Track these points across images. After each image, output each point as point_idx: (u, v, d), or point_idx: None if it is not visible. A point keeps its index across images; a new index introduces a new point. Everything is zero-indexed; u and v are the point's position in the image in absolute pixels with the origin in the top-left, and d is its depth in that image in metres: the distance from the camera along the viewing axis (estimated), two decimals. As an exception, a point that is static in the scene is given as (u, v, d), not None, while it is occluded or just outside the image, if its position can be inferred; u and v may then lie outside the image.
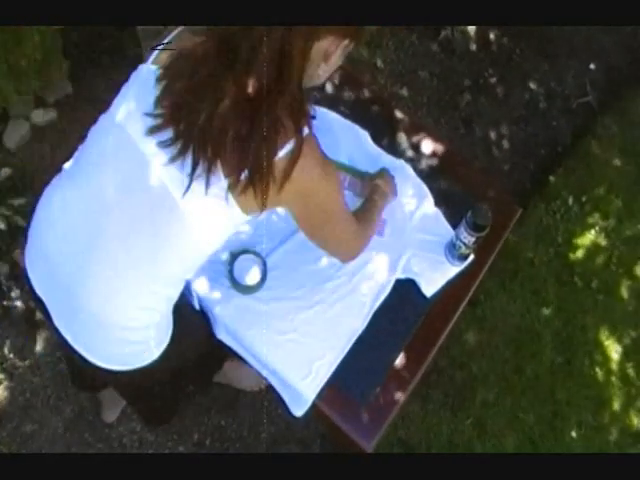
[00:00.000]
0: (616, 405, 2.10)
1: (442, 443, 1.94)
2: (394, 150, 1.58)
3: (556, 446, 2.00)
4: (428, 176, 1.55)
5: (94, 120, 1.09)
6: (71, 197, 1.09)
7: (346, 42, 1.00)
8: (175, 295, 1.15)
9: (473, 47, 2.70)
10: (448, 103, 2.57)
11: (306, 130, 0.98)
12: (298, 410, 1.33)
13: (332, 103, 1.60)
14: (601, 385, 2.12)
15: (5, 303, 1.93)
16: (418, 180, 1.54)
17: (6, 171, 2.06)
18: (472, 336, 2.10)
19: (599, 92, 2.71)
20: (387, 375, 1.35)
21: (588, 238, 2.34)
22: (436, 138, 1.63)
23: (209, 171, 0.95)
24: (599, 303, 2.24)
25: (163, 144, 0.97)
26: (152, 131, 0.97)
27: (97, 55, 2.29)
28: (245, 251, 1.38)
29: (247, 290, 1.36)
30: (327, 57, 0.99)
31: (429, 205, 1.51)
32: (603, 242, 2.34)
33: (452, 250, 1.42)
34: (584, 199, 2.40)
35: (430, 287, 1.43)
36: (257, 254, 1.38)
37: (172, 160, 0.97)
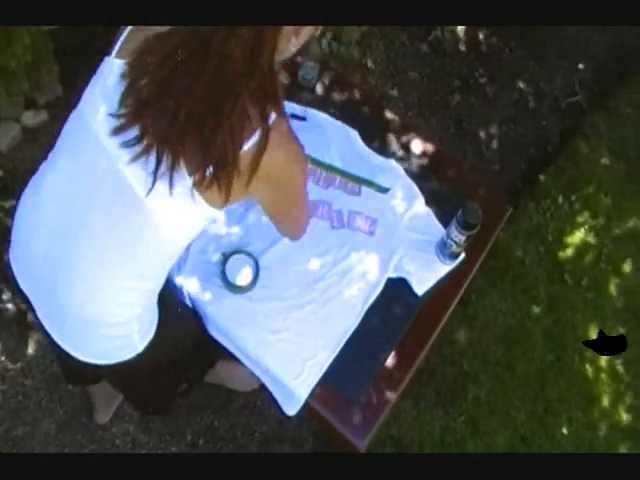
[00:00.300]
0: (605, 401, 2.12)
1: (434, 441, 1.95)
2: (385, 150, 1.59)
3: (547, 443, 2.01)
4: (419, 176, 1.56)
5: (65, 118, 1.08)
6: (45, 196, 1.10)
7: None
8: (156, 287, 1.14)
9: (463, 47, 2.72)
10: (439, 103, 2.59)
11: (273, 116, 0.96)
12: (291, 409, 1.34)
13: (322, 104, 1.61)
14: (591, 382, 2.14)
15: (-4, 305, 1.93)
16: (409, 180, 1.55)
17: (-4, 173, 2.06)
18: (463, 334, 2.11)
19: (588, 92, 2.73)
20: (379, 373, 1.36)
21: (578, 236, 2.36)
22: (426, 138, 1.64)
23: (172, 169, 0.94)
24: (589, 301, 2.26)
25: (127, 144, 0.95)
26: (116, 132, 0.96)
27: (88, 57, 2.27)
28: (237, 251, 1.38)
29: (239, 290, 1.36)
30: (298, 30, 0.98)
31: (420, 205, 1.52)
32: (592, 240, 2.36)
33: (443, 249, 1.44)
34: (574, 198, 2.42)
35: (421, 286, 1.44)
36: (249, 254, 1.38)
37: (135, 158, 0.95)
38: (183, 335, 1.32)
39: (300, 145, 1.05)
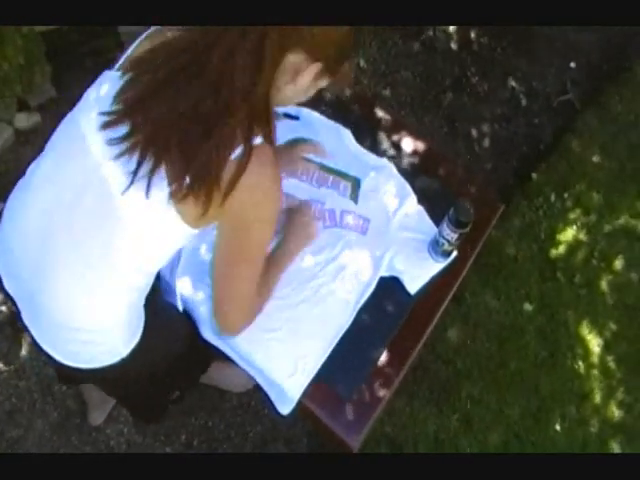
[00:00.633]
0: (598, 397, 2.13)
1: (428, 439, 1.96)
2: (377, 149, 1.59)
3: (541, 439, 2.02)
4: (411, 174, 1.57)
5: (58, 120, 1.09)
6: (30, 199, 1.10)
7: (319, 66, 0.98)
8: (139, 293, 1.13)
9: (455, 46, 2.73)
10: (431, 102, 2.60)
11: (258, 139, 0.96)
12: (284, 408, 1.34)
13: (315, 103, 1.61)
14: (584, 378, 2.15)
15: (-11, 308, 1.93)
16: (401, 179, 1.55)
17: (-11, 175, 2.06)
18: (457, 332, 2.12)
19: (579, 90, 2.74)
20: (372, 372, 1.36)
21: (570, 234, 2.38)
22: (419, 137, 1.65)
23: (152, 173, 0.93)
24: (581, 298, 2.27)
25: (113, 141, 0.95)
26: (105, 126, 0.96)
27: (80, 58, 2.28)
28: None
29: None
30: (296, 75, 0.98)
31: (412, 203, 1.53)
32: (585, 238, 2.38)
33: (435, 247, 1.44)
34: (566, 195, 2.43)
35: (414, 284, 1.44)
36: None
37: (119, 156, 0.94)
38: (173, 339, 1.32)
39: (279, 179, 1.02)
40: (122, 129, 0.94)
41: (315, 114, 1.58)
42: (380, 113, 1.66)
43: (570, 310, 2.24)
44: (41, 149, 1.12)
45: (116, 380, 1.29)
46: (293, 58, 0.95)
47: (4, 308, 1.93)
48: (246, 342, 1.34)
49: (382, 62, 2.63)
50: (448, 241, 1.40)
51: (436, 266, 1.47)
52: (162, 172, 0.93)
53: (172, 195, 0.94)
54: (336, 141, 1.56)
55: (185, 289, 1.36)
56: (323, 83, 1.04)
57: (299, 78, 0.99)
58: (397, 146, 1.62)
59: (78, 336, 1.12)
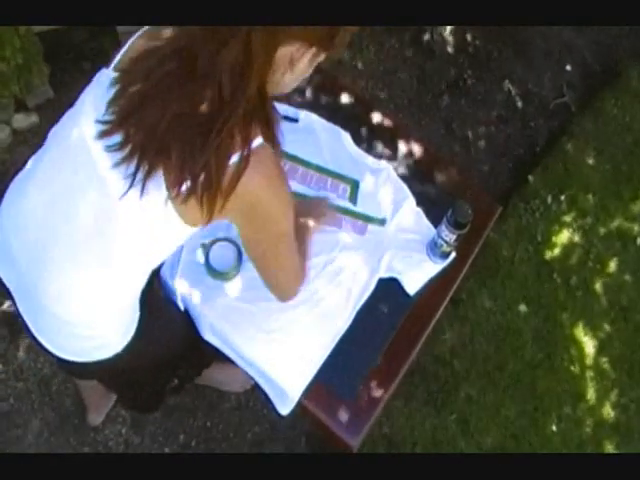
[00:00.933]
0: (593, 398, 2.15)
1: (426, 439, 1.97)
2: (375, 152, 1.60)
3: (537, 440, 2.04)
4: (409, 177, 1.58)
5: (56, 120, 1.09)
6: (32, 189, 1.10)
7: (313, 50, 0.97)
8: (135, 290, 1.13)
9: (452, 49, 2.74)
10: (428, 105, 2.61)
11: (258, 141, 0.95)
12: (284, 408, 1.35)
13: (312, 106, 1.62)
14: (580, 379, 2.17)
15: (-13, 308, 1.93)
16: (399, 181, 1.56)
17: (-14, 175, 2.05)
18: (454, 333, 2.13)
19: (575, 93, 2.76)
20: (371, 372, 1.37)
21: (566, 236, 2.39)
22: (416, 139, 1.66)
23: (148, 177, 0.92)
24: (577, 300, 2.28)
25: (110, 148, 0.94)
26: (101, 135, 0.95)
27: (78, 59, 2.29)
28: (217, 240, 1.37)
29: (225, 277, 1.36)
30: (292, 64, 0.96)
31: (410, 205, 1.54)
32: (581, 240, 2.39)
33: (434, 248, 1.45)
34: (562, 198, 2.44)
35: (413, 285, 1.45)
36: (229, 240, 1.37)
37: (117, 164, 0.94)
38: (172, 333, 1.32)
39: (284, 180, 1.01)
40: (117, 137, 0.94)
41: (314, 116, 1.59)
42: (378, 116, 1.67)
43: (566, 312, 2.26)
44: (40, 148, 1.12)
45: (113, 372, 1.30)
46: (286, 50, 0.93)
47: (4, 307, 1.93)
48: (246, 343, 1.34)
49: (379, 64, 2.64)
50: (446, 242, 1.41)
51: (435, 267, 1.48)
52: (159, 176, 0.92)
53: (172, 199, 0.93)
54: (335, 143, 1.57)
55: (185, 289, 1.37)
56: (321, 58, 1.02)
57: (296, 65, 0.97)
58: (395, 148, 1.63)
59: (73, 330, 1.13)
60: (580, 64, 2.84)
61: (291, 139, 1.51)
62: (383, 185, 1.54)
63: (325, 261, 1.43)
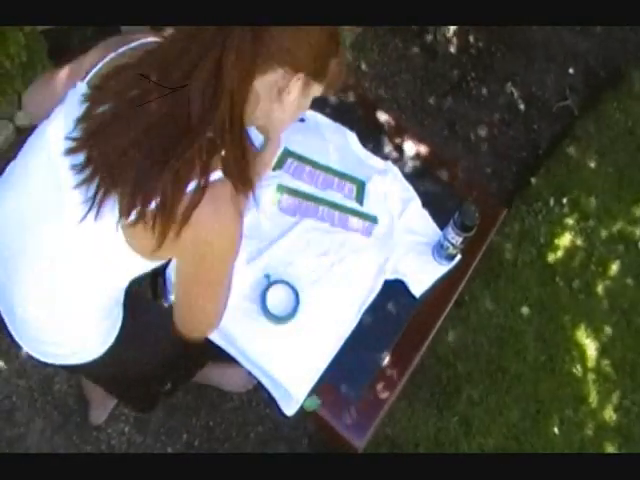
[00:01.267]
0: (595, 400, 2.15)
1: (429, 441, 1.97)
2: (379, 152, 1.60)
3: (539, 442, 2.04)
4: (414, 178, 1.58)
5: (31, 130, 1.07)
6: (5, 199, 1.08)
7: (301, 78, 0.91)
8: (104, 303, 1.11)
9: (455, 51, 2.75)
10: (432, 106, 2.61)
11: (218, 174, 0.90)
12: (289, 409, 1.34)
13: (317, 106, 1.61)
14: (581, 381, 2.17)
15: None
16: (405, 182, 1.56)
17: (-10, 173, 2.05)
18: (457, 335, 2.13)
19: (578, 96, 2.77)
20: (376, 374, 1.37)
21: (569, 239, 2.39)
22: (421, 140, 1.66)
23: (104, 201, 0.89)
24: (580, 302, 2.29)
25: (75, 167, 0.92)
26: (68, 152, 0.93)
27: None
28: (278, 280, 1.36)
29: (278, 320, 1.35)
30: (280, 95, 0.91)
31: (416, 206, 1.54)
32: (583, 243, 2.40)
33: (440, 250, 1.45)
34: (564, 200, 2.45)
35: (418, 287, 1.45)
36: (288, 284, 1.36)
37: (78, 185, 0.91)
38: (161, 335, 1.29)
39: (237, 221, 0.94)
40: (81, 157, 0.92)
41: (320, 116, 1.59)
42: (382, 116, 1.67)
43: (569, 314, 2.26)
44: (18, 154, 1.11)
45: (98, 372, 1.30)
46: (269, 77, 0.88)
47: (4, 307, 1.92)
48: (251, 343, 1.34)
49: (383, 65, 2.64)
50: (453, 244, 1.41)
51: (440, 269, 1.48)
52: (114, 202, 0.90)
53: (122, 225, 0.90)
54: (342, 144, 1.57)
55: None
56: (316, 92, 0.97)
57: (285, 96, 0.91)
58: (400, 149, 1.63)
59: (50, 340, 1.14)
60: (583, 67, 2.84)
61: (298, 139, 1.54)
62: (389, 186, 1.54)
63: (331, 262, 1.43)
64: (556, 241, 2.38)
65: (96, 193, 0.90)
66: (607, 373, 2.21)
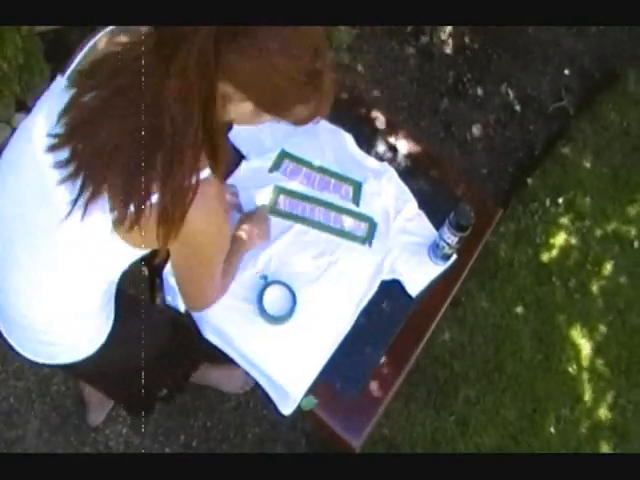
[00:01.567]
0: (591, 400, 2.16)
1: (426, 440, 1.98)
2: (375, 154, 1.61)
3: (536, 441, 2.05)
4: (410, 178, 1.59)
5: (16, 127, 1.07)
6: None
7: (248, 107, 0.90)
8: (93, 301, 1.12)
9: (451, 52, 2.76)
10: (428, 107, 2.62)
11: (207, 172, 0.92)
12: (287, 409, 1.35)
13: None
14: (577, 381, 2.19)
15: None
16: (401, 183, 1.57)
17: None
18: (454, 335, 2.14)
19: (574, 97, 2.78)
20: (373, 373, 1.38)
21: (564, 239, 2.41)
22: (417, 141, 1.67)
23: (90, 200, 0.89)
24: (575, 302, 2.30)
25: (58, 164, 0.91)
26: (50, 149, 0.92)
27: (79, 59, 2.29)
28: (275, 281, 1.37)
29: (275, 321, 1.35)
30: (225, 104, 0.90)
31: (412, 207, 1.55)
32: (579, 242, 2.41)
33: (436, 250, 1.46)
34: (560, 201, 2.46)
35: (414, 287, 1.46)
36: (284, 285, 1.37)
37: (62, 181, 0.91)
38: (151, 337, 1.31)
39: (225, 217, 1.00)
40: (65, 153, 0.91)
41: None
42: (378, 118, 1.68)
43: (564, 314, 2.27)
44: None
45: (89, 372, 1.31)
46: (222, 87, 0.87)
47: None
48: (248, 343, 1.35)
49: (379, 67, 2.65)
50: (448, 244, 1.42)
51: (436, 269, 1.49)
52: (104, 199, 0.89)
53: (115, 222, 0.90)
54: (338, 145, 1.58)
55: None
56: (265, 118, 0.95)
57: (229, 107, 0.91)
58: (395, 150, 1.64)
59: (40, 337, 1.14)
60: (579, 68, 2.86)
61: (294, 141, 1.55)
62: (385, 187, 1.54)
63: (328, 262, 1.43)
64: (552, 241, 2.39)
65: (83, 190, 0.90)
66: (603, 372, 2.22)
